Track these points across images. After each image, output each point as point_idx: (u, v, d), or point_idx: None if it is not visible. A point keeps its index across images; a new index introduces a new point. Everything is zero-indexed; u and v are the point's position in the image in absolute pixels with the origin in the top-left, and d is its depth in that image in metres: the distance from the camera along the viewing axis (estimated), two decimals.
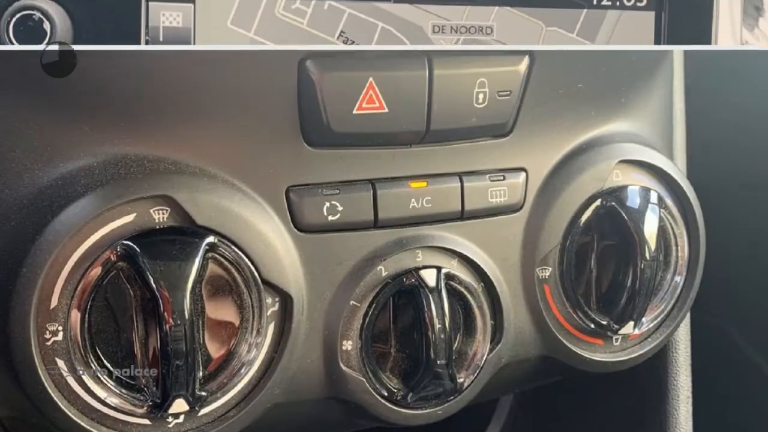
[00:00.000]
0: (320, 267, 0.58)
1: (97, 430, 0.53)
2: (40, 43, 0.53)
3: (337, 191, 0.58)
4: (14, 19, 0.54)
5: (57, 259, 0.51)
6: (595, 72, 0.64)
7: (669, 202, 0.67)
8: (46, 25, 0.55)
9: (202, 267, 0.53)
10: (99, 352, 0.53)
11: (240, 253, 0.54)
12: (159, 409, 0.53)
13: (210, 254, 0.53)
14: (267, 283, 0.55)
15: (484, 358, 0.62)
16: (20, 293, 0.50)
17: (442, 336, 0.59)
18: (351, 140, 0.57)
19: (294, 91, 0.55)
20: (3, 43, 0.53)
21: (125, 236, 0.52)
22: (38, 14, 0.54)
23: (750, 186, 1.00)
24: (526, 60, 0.60)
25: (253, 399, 0.56)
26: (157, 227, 0.52)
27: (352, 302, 0.59)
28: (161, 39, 0.56)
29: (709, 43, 0.68)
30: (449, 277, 0.60)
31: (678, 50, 0.73)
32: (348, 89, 0.56)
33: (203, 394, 0.54)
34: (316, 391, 0.59)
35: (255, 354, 0.56)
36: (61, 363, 0.52)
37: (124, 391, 0.53)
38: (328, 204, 0.57)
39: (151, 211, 0.52)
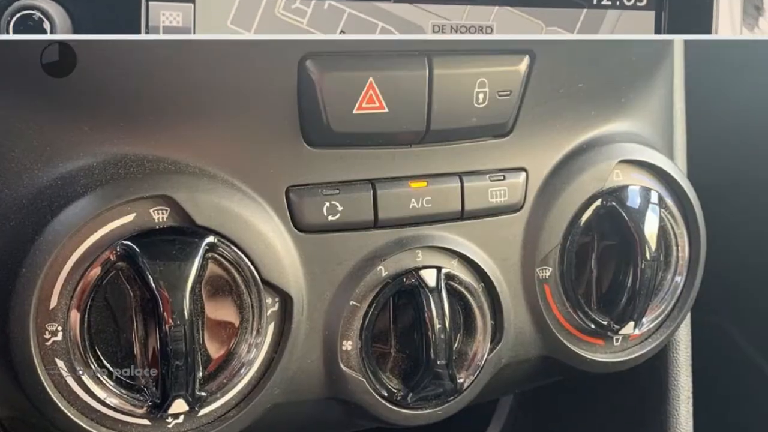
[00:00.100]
0: (320, 267, 0.58)
1: (96, 431, 0.52)
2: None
3: (337, 191, 0.58)
4: (14, 19, 0.55)
5: (56, 259, 0.51)
6: (595, 72, 0.64)
7: (669, 202, 0.67)
8: (46, 25, 0.55)
9: (202, 267, 0.53)
10: (98, 353, 0.52)
11: (240, 253, 0.54)
12: (159, 409, 0.53)
13: (210, 254, 0.53)
14: (267, 283, 0.55)
15: (484, 359, 0.62)
16: (20, 293, 0.50)
17: (442, 336, 0.59)
18: (351, 140, 0.57)
19: (294, 91, 0.55)
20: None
21: (125, 236, 0.52)
22: (38, 14, 0.54)
23: (750, 186, 1.00)
24: (526, 60, 0.60)
25: (252, 399, 0.56)
26: (157, 227, 0.52)
27: (352, 302, 0.59)
28: None
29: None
30: (449, 277, 0.60)
31: (678, 50, 0.72)
32: (348, 89, 0.56)
33: (203, 394, 0.54)
34: (316, 392, 0.59)
35: (255, 354, 0.56)
36: (60, 363, 0.52)
37: (123, 391, 0.53)
38: (328, 204, 0.57)
39: (151, 211, 0.52)
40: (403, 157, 0.60)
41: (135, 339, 0.52)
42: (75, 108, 0.52)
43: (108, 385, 0.53)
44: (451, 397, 0.61)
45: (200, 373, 0.53)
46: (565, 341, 0.66)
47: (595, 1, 0.65)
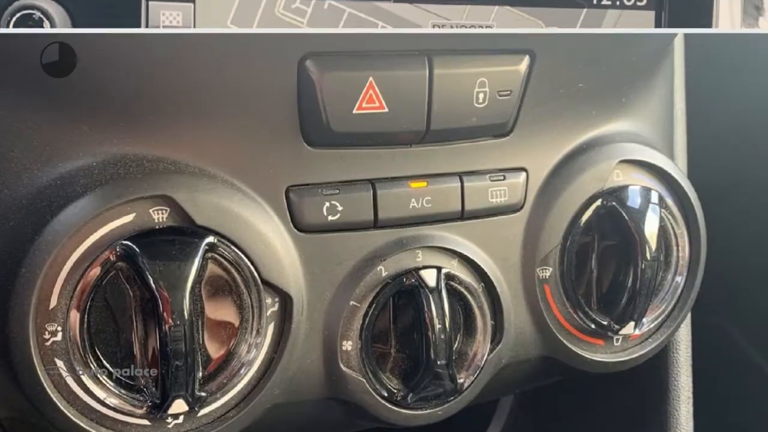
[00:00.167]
0: (320, 267, 0.58)
1: (96, 431, 0.52)
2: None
3: (337, 191, 0.58)
4: (14, 19, 0.54)
5: (56, 260, 0.51)
6: (595, 72, 0.64)
7: (670, 202, 0.67)
8: (46, 24, 0.55)
9: (202, 267, 0.53)
10: (98, 353, 0.52)
11: (240, 253, 0.54)
12: (158, 409, 0.53)
13: (209, 254, 0.53)
14: (267, 284, 0.55)
15: (485, 359, 0.62)
16: (19, 293, 0.50)
17: (442, 336, 0.58)
18: (351, 140, 0.57)
19: (294, 91, 0.55)
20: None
21: (124, 236, 0.52)
22: (38, 13, 0.54)
23: (751, 186, 1.00)
24: (526, 60, 0.60)
25: (252, 399, 0.56)
26: (157, 227, 0.52)
27: (352, 302, 0.58)
28: None
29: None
30: (449, 277, 0.60)
31: (679, 50, 0.72)
32: (348, 89, 0.56)
33: (203, 394, 0.54)
34: (315, 392, 0.59)
35: (255, 354, 0.56)
36: (60, 363, 0.52)
37: (123, 391, 0.53)
38: (327, 204, 0.57)
39: (151, 211, 0.52)
40: (403, 157, 0.59)
41: (135, 339, 0.52)
42: (75, 108, 0.52)
43: (108, 385, 0.53)
44: (451, 398, 0.61)
45: (200, 374, 0.53)
46: (565, 341, 0.66)
47: (595, 1, 0.65)
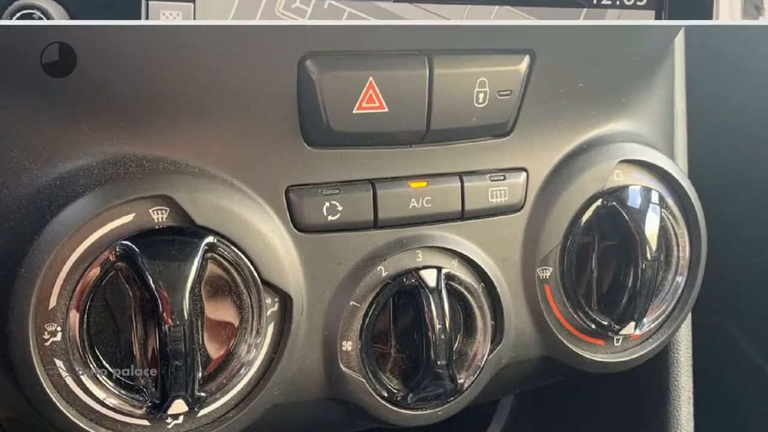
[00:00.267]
0: (320, 267, 0.58)
1: (95, 431, 0.52)
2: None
3: (337, 191, 0.57)
4: (14, 18, 0.54)
5: (56, 260, 0.51)
6: (595, 72, 0.64)
7: (670, 202, 0.67)
8: None
9: (202, 267, 0.53)
10: (98, 353, 0.52)
11: (239, 253, 0.54)
12: (158, 409, 0.53)
13: (209, 254, 0.53)
14: (266, 284, 0.55)
15: (485, 359, 0.62)
16: (19, 293, 0.50)
17: (443, 336, 0.58)
18: (351, 140, 0.57)
19: (294, 91, 0.55)
20: None
21: (124, 236, 0.52)
22: (38, 13, 0.54)
23: (751, 186, 1.00)
24: (526, 59, 0.60)
25: (252, 400, 0.56)
26: (156, 227, 0.52)
27: (351, 302, 0.58)
28: None
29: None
30: (449, 277, 0.60)
31: (679, 50, 0.72)
32: (348, 89, 0.56)
33: (202, 394, 0.54)
34: (315, 392, 0.59)
35: (254, 354, 0.56)
36: (59, 363, 0.52)
37: (123, 391, 0.53)
38: (327, 204, 0.57)
39: (150, 211, 0.52)
40: (403, 156, 0.59)
41: (134, 339, 0.52)
42: (74, 108, 0.52)
43: (107, 385, 0.53)
44: (452, 398, 0.61)
45: (200, 374, 0.53)
46: (565, 341, 0.66)
47: (595, 1, 0.65)
